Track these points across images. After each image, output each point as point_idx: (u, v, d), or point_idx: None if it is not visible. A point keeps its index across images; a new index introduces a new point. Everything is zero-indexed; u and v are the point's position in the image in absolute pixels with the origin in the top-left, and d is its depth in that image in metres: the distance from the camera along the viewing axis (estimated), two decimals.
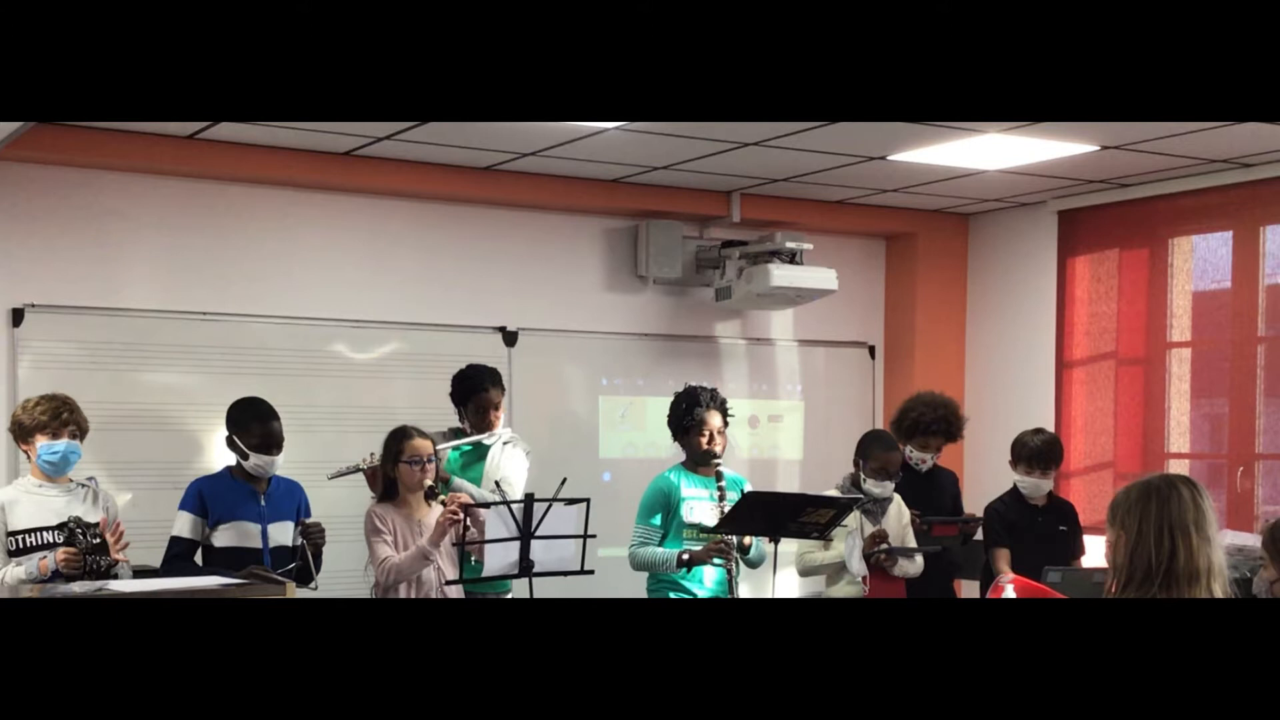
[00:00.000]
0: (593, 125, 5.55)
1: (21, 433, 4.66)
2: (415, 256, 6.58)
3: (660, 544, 5.24)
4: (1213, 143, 5.89)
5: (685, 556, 5.15)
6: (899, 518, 5.53)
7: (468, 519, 4.75)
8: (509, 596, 5.31)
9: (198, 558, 4.86)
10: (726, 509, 5.06)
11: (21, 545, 4.55)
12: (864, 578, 5.31)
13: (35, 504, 4.61)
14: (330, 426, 6.19)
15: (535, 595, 4.77)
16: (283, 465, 4.95)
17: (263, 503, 4.90)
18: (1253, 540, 4.80)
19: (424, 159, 6.27)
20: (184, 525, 4.84)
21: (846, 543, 5.29)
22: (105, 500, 4.77)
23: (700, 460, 5.30)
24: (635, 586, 5.40)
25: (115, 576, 4.48)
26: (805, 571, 5.52)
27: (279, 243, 6.28)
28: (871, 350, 7.86)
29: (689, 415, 5.30)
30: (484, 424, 5.45)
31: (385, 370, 6.48)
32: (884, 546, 5.31)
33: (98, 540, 4.46)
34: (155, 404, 5.97)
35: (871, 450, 5.47)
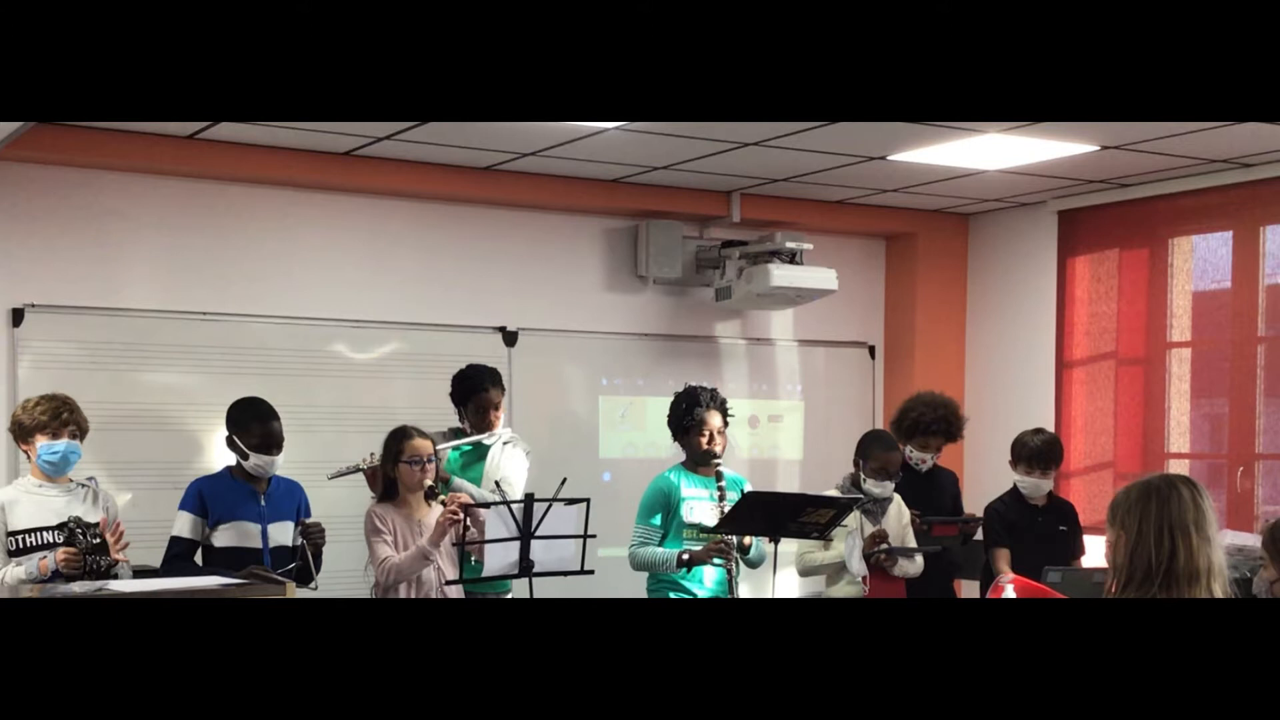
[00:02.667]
0: (593, 125, 5.54)
1: (21, 433, 4.66)
2: (415, 256, 6.58)
3: (660, 544, 5.24)
4: (1213, 143, 5.89)
5: (685, 556, 5.15)
6: (899, 518, 5.52)
7: (468, 519, 4.75)
8: (509, 596, 5.31)
9: (198, 558, 4.86)
10: (726, 509, 5.06)
11: (21, 545, 4.55)
12: (864, 578, 5.31)
13: (35, 504, 4.61)
14: (330, 426, 6.19)
15: (535, 595, 4.77)
16: (283, 465, 4.95)
17: (263, 503, 4.89)
18: (1253, 540, 4.80)
19: (424, 159, 6.27)
20: (184, 525, 4.84)
21: (846, 543, 5.29)
22: (105, 500, 4.77)
23: (700, 460, 5.30)
24: (635, 586, 5.40)
25: (115, 576, 4.48)
26: (805, 571, 5.52)
27: (279, 243, 6.28)
28: (871, 350, 7.86)
29: (689, 415, 5.30)
30: (484, 424, 5.45)
31: (385, 370, 6.48)
32: (884, 546, 5.31)
33: (98, 540, 4.46)
34: (155, 404, 5.97)
35: (871, 450, 5.47)
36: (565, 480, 4.77)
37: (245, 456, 4.87)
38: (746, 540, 5.14)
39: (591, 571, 4.79)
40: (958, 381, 7.65)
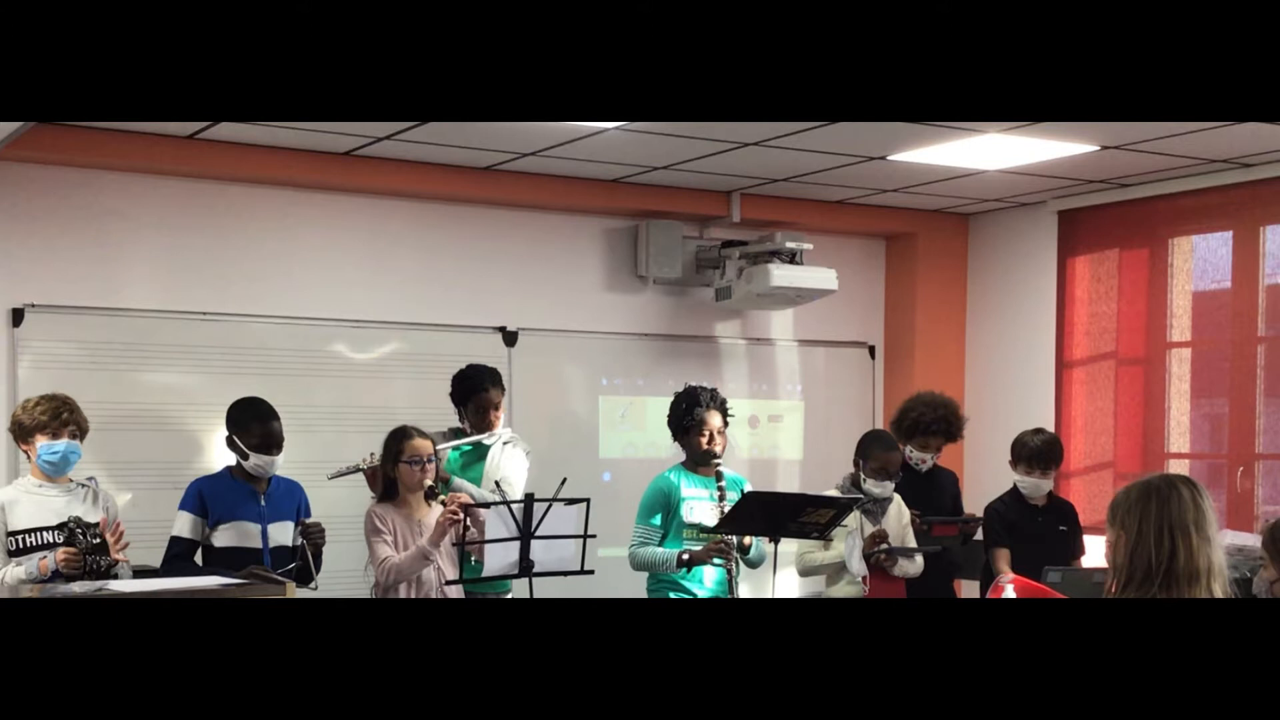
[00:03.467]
0: (593, 125, 5.54)
1: (21, 433, 4.66)
2: (415, 256, 6.58)
3: (660, 544, 5.24)
4: (1213, 143, 5.89)
5: (685, 556, 5.15)
6: (899, 518, 5.52)
7: (468, 519, 4.75)
8: (509, 596, 5.31)
9: (198, 558, 4.86)
10: (726, 509, 5.06)
11: (21, 545, 4.55)
12: (864, 578, 5.31)
13: (35, 504, 4.61)
14: (330, 426, 6.19)
15: (535, 595, 4.77)
16: (283, 465, 4.95)
17: (263, 503, 4.89)
18: (1253, 540, 4.80)
19: (424, 159, 6.27)
20: (184, 525, 4.85)
21: (846, 543, 5.29)
22: (105, 500, 4.77)
23: (700, 460, 5.30)
24: (635, 586, 5.40)
25: (115, 576, 4.48)
26: (805, 571, 5.52)
27: (279, 243, 6.28)
28: (871, 350, 7.86)
29: (689, 415, 5.30)
30: (484, 424, 5.45)
31: (385, 370, 6.48)
32: (884, 546, 5.31)
33: (98, 540, 4.46)
34: (155, 404, 5.97)
35: (871, 450, 5.47)
36: (565, 480, 4.77)
37: (245, 456, 4.87)
38: (746, 540, 5.14)
39: (591, 571, 4.79)
40: (958, 381, 7.65)
